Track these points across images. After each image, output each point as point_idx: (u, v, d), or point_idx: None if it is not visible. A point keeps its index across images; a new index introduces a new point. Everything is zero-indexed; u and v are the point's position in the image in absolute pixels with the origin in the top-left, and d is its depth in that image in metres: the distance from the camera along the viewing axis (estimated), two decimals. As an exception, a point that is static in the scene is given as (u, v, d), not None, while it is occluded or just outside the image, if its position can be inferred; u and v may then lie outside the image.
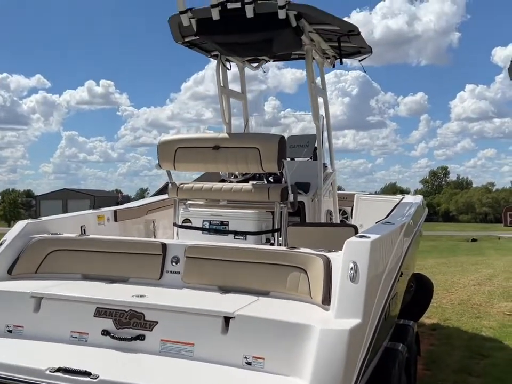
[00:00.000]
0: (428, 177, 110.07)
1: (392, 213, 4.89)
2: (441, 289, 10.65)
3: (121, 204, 6.31)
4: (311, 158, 6.15)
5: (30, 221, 4.14)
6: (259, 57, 6.19)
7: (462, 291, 10.73)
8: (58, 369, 2.74)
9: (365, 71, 6.20)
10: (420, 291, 6.66)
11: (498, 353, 6.56)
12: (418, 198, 6.40)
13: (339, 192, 6.78)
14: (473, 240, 33.22)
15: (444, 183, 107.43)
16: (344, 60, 6.00)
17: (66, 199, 66.25)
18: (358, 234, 3.53)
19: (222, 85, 5.82)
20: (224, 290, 3.44)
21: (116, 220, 5.28)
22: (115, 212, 5.30)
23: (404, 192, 65.90)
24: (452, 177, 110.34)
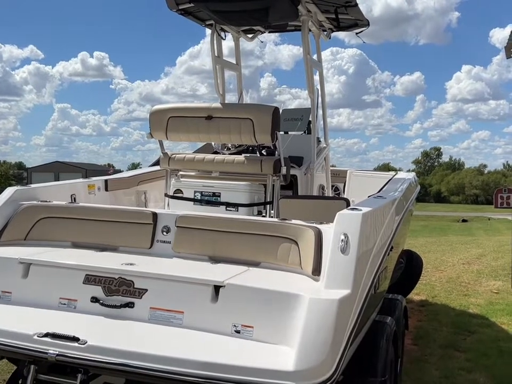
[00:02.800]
0: (420, 158, 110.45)
1: (384, 188, 4.88)
2: (431, 267, 10.76)
3: None
4: (305, 132, 6.10)
5: (19, 187, 4.09)
6: (254, 28, 6.10)
7: (451, 269, 10.85)
8: (46, 334, 2.73)
9: (364, 42, 6.11)
10: (409, 267, 6.71)
11: (484, 330, 6.66)
12: (411, 175, 6.40)
13: (332, 168, 6.75)
14: (464, 220, 33.55)
15: (436, 164, 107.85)
16: (340, 32, 5.93)
17: (58, 172, 65.88)
18: (349, 207, 3.52)
19: (216, 54, 5.73)
20: (215, 260, 3.43)
21: (106, 190, 5.23)
22: (106, 181, 5.25)
23: (396, 172, 65.86)
24: (445, 158, 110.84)
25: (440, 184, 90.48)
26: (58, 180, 6.76)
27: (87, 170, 64.30)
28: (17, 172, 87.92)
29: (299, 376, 2.47)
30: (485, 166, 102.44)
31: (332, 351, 2.59)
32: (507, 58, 9.51)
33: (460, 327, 6.76)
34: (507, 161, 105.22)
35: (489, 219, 30.34)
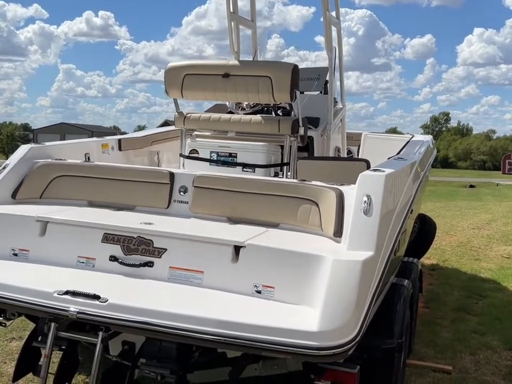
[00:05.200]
0: (428, 123, 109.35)
1: (403, 150, 4.79)
2: (441, 231, 10.68)
3: None
4: (321, 92, 5.97)
5: (33, 145, 4.03)
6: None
7: (461, 234, 10.81)
8: (67, 292, 2.71)
9: None
10: (423, 231, 6.67)
11: (496, 294, 6.66)
12: (428, 137, 6.28)
13: (346, 131, 6.64)
14: (471, 186, 33.37)
15: (444, 129, 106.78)
16: None
17: (64, 133, 65.75)
18: (371, 168, 3.44)
19: (232, 10, 5.56)
20: (233, 221, 3.39)
21: (120, 149, 5.16)
22: (119, 140, 5.18)
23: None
24: (453, 123, 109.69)
25: (448, 149, 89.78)
26: (65, 142, 6.67)
27: (93, 132, 64.09)
28: (22, 133, 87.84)
29: (323, 336, 2.45)
30: (493, 131, 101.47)
31: (355, 312, 2.57)
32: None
33: (471, 291, 6.76)
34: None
35: (497, 185, 30.17)
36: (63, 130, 69.20)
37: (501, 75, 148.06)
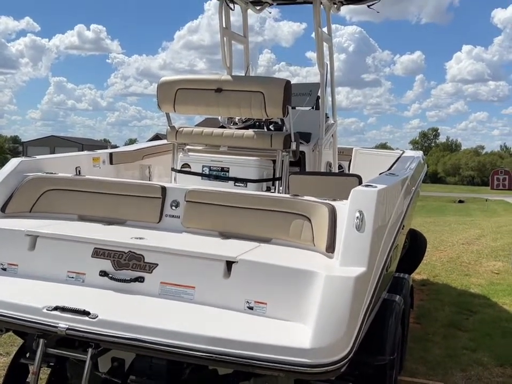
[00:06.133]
0: (417, 138, 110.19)
1: (394, 166, 4.81)
2: (431, 246, 10.70)
3: None
4: (313, 108, 5.99)
5: (24, 158, 3.99)
6: (263, 0, 5.94)
7: (451, 249, 10.86)
8: (56, 308, 2.67)
9: (378, 12, 5.92)
10: (414, 246, 6.68)
11: (486, 310, 6.67)
12: (419, 153, 6.32)
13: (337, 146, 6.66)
14: (460, 201, 33.62)
15: (433, 144, 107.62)
16: (341, 8, 5.83)
17: (53, 146, 65.42)
18: (363, 184, 3.45)
19: (224, 26, 5.59)
20: (225, 236, 3.36)
21: (111, 163, 5.13)
22: (111, 154, 5.15)
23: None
24: (442, 139, 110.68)
25: (437, 164, 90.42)
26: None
27: (83, 145, 63.92)
28: (12, 145, 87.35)
29: (316, 353, 2.43)
30: (482, 147, 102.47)
31: (348, 328, 2.55)
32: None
33: (461, 306, 6.77)
34: (504, 143, 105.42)
35: (486, 200, 30.41)
36: (52, 143, 68.85)
37: (489, 92, 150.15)
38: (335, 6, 5.83)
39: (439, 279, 8.24)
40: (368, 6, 5.80)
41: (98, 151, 5.14)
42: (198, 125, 5.80)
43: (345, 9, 6.10)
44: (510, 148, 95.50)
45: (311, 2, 5.23)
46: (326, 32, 5.55)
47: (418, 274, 8.27)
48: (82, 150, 5.52)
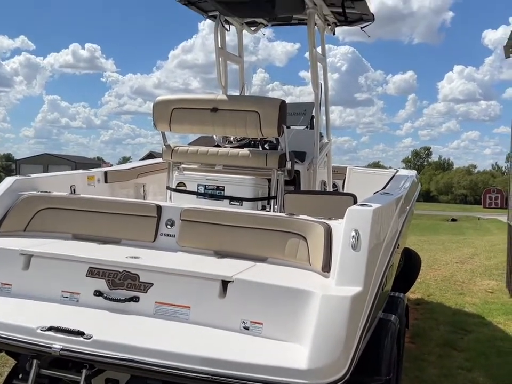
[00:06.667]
0: (410, 157, 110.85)
1: (388, 185, 4.83)
2: (425, 265, 10.70)
3: None
4: (307, 127, 6.03)
5: (18, 177, 3.98)
6: (257, 20, 6.02)
7: (445, 268, 10.86)
8: (50, 328, 2.64)
9: (369, 36, 6.02)
10: (408, 265, 6.67)
11: (481, 329, 6.66)
12: (413, 172, 6.36)
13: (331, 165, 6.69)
14: (453, 220, 33.68)
15: (425, 163, 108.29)
16: (343, 27, 5.89)
17: (47, 164, 65.26)
18: (359, 203, 3.46)
19: (219, 46, 5.65)
20: (220, 255, 3.35)
21: (106, 182, 5.12)
22: (106, 173, 5.15)
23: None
24: (434, 157, 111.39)
25: (429, 183, 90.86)
26: (48, 172, 6.63)
27: (77, 163, 63.81)
28: (5, 163, 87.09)
29: (313, 374, 2.41)
30: (474, 166, 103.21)
31: (345, 349, 2.53)
32: (506, 58, 9.49)
33: (456, 326, 6.75)
34: (496, 162, 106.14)
35: (479, 219, 30.52)
36: (46, 161, 68.67)
37: (480, 111, 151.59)
38: (329, 27, 5.91)
39: (433, 298, 8.23)
40: (361, 28, 5.89)
41: (93, 169, 5.13)
42: (192, 143, 5.83)
43: (338, 30, 6.18)
44: (502, 167, 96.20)
45: (305, 24, 5.31)
46: (320, 53, 5.61)
47: (413, 293, 8.25)
48: (75, 168, 5.51)
